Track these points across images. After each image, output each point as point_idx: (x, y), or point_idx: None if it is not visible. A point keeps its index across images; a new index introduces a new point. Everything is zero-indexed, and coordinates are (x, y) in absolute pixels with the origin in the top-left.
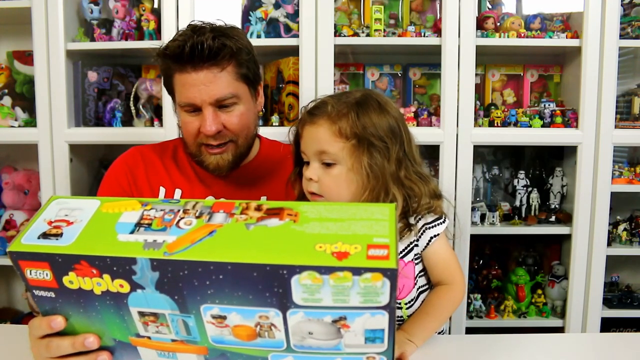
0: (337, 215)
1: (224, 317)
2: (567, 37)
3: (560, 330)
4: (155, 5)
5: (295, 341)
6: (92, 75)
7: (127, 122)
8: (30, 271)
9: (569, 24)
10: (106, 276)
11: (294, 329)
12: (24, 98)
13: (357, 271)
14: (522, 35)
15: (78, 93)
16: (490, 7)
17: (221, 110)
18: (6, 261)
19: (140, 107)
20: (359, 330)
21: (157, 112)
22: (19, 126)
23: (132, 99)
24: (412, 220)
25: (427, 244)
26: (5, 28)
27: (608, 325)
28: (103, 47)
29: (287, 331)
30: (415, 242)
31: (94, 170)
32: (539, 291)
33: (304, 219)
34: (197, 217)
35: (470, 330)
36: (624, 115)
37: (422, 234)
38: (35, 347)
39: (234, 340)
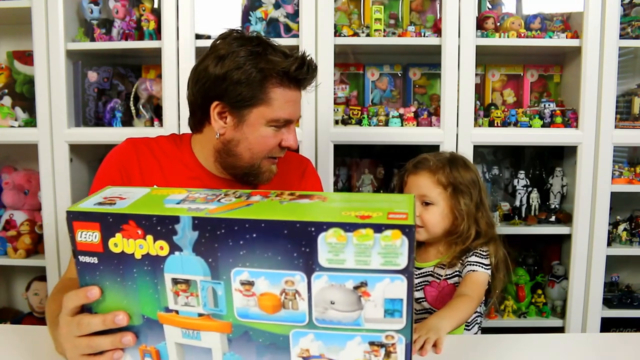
0: (361, 198)
1: (252, 284)
2: (567, 37)
3: (560, 330)
4: (155, 5)
5: (317, 313)
6: (92, 75)
7: (127, 122)
8: (81, 233)
9: (569, 24)
10: (149, 237)
11: (317, 297)
12: (24, 98)
13: (378, 228)
14: (522, 35)
15: (78, 93)
16: (490, 7)
17: None
18: (6, 261)
19: (140, 107)
20: (378, 300)
21: (157, 112)
22: (19, 126)
23: (132, 99)
24: (464, 259)
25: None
26: (5, 28)
27: (608, 325)
28: (103, 47)
29: (310, 300)
30: (459, 272)
31: (94, 170)
32: (539, 291)
33: (331, 200)
34: (237, 198)
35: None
36: (624, 115)
37: (464, 267)
38: (66, 325)
39: (258, 314)
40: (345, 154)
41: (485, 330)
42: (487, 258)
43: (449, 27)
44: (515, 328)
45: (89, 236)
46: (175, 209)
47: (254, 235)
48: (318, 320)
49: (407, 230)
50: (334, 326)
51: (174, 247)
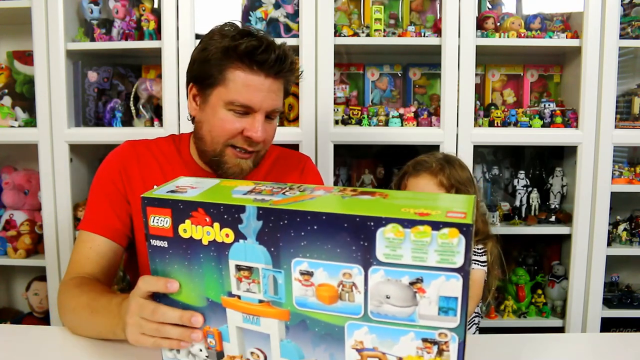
0: (423, 196)
1: (311, 274)
2: (567, 37)
3: (560, 330)
4: (155, 5)
5: (372, 307)
6: (92, 75)
7: (127, 122)
8: (154, 218)
9: (569, 24)
10: (216, 225)
11: (373, 291)
12: (24, 98)
13: (436, 225)
14: (522, 35)
15: (78, 93)
16: (490, 7)
17: (265, 120)
18: (6, 261)
19: (140, 107)
20: (433, 297)
21: (157, 112)
22: (19, 126)
23: (132, 99)
24: None
25: None
26: (5, 28)
27: (608, 325)
28: (103, 47)
29: (367, 293)
30: None
31: (94, 170)
32: (539, 291)
33: (393, 197)
34: (301, 192)
35: None
36: (624, 115)
37: None
38: (138, 306)
39: (316, 303)
40: (345, 154)
41: (485, 330)
42: (483, 255)
43: (449, 27)
44: (515, 328)
45: (161, 221)
46: (241, 199)
47: (315, 227)
48: (373, 314)
49: (465, 229)
50: (388, 320)
51: (239, 235)
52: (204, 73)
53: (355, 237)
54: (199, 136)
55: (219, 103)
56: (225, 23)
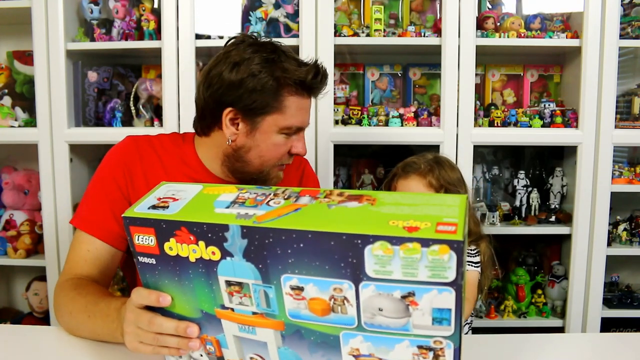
0: (411, 201)
1: (302, 289)
2: (567, 37)
3: (560, 330)
4: (155, 5)
5: (365, 318)
6: (92, 75)
7: (127, 122)
8: (138, 237)
9: (569, 24)
10: (201, 243)
11: (365, 304)
12: (24, 98)
13: (425, 242)
14: (522, 35)
15: (78, 93)
16: (490, 7)
17: None
18: (6, 261)
19: (140, 107)
20: (426, 309)
21: (157, 112)
22: (19, 126)
23: (132, 99)
24: None
25: None
26: (5, 28)
27: (608, 325)
28: (103, 47)
29: (359, 306)
30: None
31: (94, 171)
32: (539, 291)
33: (380, 203)
34: (285, 199)
35: None
36: (624, 115)
37: None
38: (134, 315)
39: (309, 315)
40: (345, 154)
41: (486, 330)
42: (475, 256)
43: (449, 27)
44: (515, 328)
45: (146, 239)
46: (224, 215)
47: (301, 245)
48: (367, 324)
49: (456, 246)
50: (382, 330)
51: (225, 253)
52: (254, 102)
53: (343, 254)
54: (244, 160)
55: (273, 129)
56: (248, 39)
